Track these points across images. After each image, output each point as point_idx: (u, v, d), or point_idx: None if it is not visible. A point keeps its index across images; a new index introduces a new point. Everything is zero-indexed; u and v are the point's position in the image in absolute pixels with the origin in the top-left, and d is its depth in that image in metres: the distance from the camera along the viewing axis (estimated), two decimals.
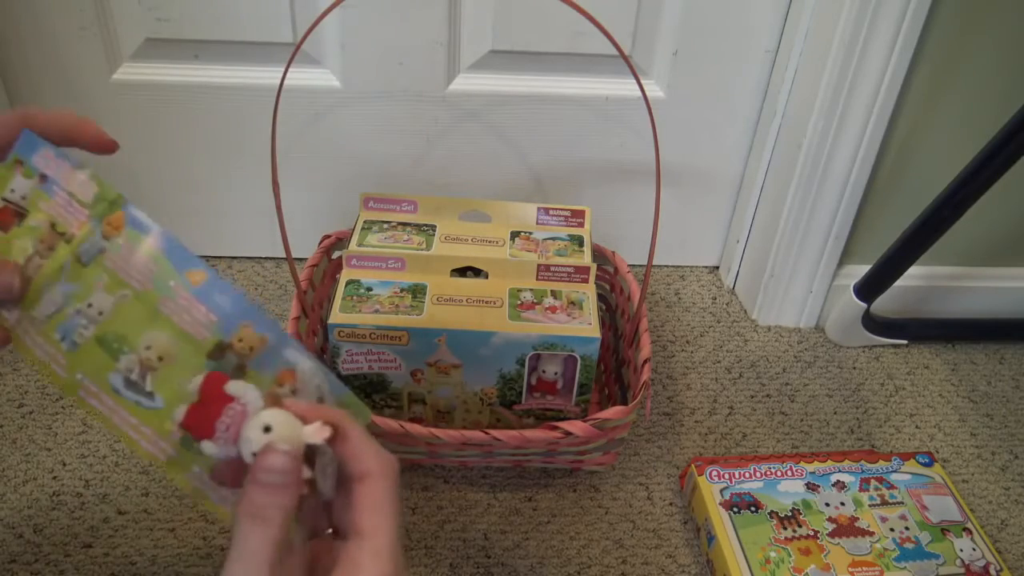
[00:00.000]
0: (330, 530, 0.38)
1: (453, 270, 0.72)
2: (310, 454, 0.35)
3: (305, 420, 0.35)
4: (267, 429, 0.34)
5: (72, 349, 0.38)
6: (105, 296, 0.37)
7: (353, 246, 0.74)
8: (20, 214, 0.39)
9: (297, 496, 0.34)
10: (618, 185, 0.94)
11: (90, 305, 0.37)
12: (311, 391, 0.37)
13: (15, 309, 0.39)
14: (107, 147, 0.41)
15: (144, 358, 0.36)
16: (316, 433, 0.35)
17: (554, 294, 0.71)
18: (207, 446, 0.36)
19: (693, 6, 0.82)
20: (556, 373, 0.70)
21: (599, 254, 0.82)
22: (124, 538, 0.68)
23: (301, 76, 0.84)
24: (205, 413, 0.36)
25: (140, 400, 0.37)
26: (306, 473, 0.35)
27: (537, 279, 0.73)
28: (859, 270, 0.89)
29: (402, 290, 0.70)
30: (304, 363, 0.37)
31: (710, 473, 0.72)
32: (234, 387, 0.36)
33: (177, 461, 0.37)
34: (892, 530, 0.68)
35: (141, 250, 0.37)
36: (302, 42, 0.63)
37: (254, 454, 0.34)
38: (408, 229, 0.77)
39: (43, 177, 0.39)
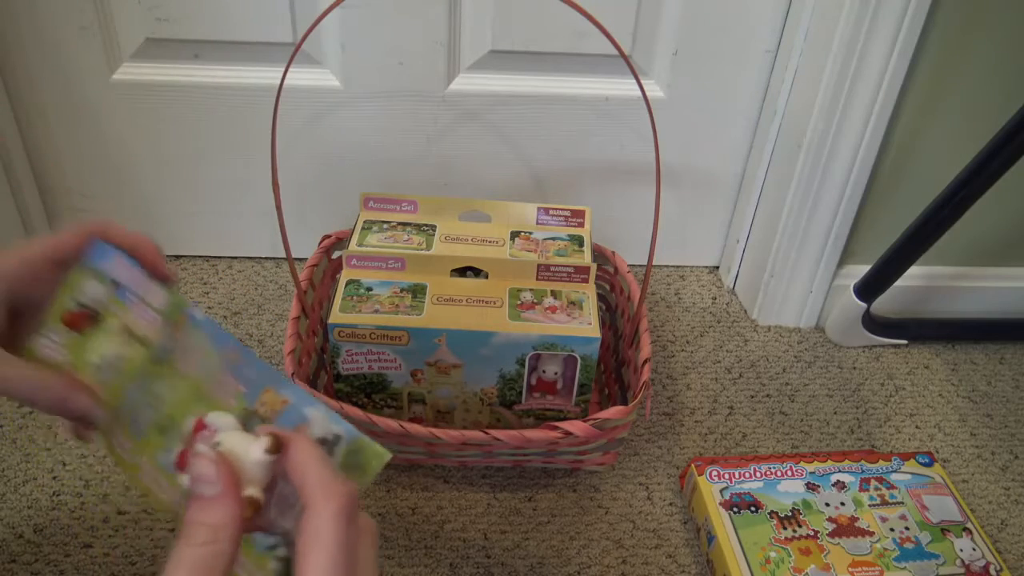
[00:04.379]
0: None
1: (453, 270, 0.72)
2: (272, 481, 0.34)
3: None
4: (217, 445, 0.33)
5: (140, 438, 0.39)
6: (167, 386, 0.39)
7: (353, 246, 0.74)
8: (94, 318, 0.41)
9: (234, 507, 0.31)
10: (618, 185, 0.94)
11: (157, 397, 0.39)
12: (318, 432, 0.36)
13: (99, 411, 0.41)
14: (163, 277, 0.41)
15: (185, 435, 0.37)
16: (255, 449, 0.33)
17: (554, 294, 0.71)
18: (182, 478, 0.35)
19: (693, 6, 0.82)
20: (556, 373, 0.70)
21: (599, 254, 0.82)
22: (124, 538, 0.68)
23: (301, 76, 0.84)
24: (186, 449, 0.36)
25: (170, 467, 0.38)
26: (250, 491, 0.32)
27: (537, 279, 0.73)
28: (859, 270, 0.89)
29: (402, 290, 0.70)
30: (318, 410, 0.36)
31: (710, 473, 0.72)
32: (211, 416, 0.36)
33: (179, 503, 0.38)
34: (892, 530, 0.68)
35: (196, 342, 0.39)
36: (302, 42, 0.63)
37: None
38: (408, 229, 0.77)
39: (116, 284, 0.41)
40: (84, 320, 0.41)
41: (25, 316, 0.40)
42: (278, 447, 0.33)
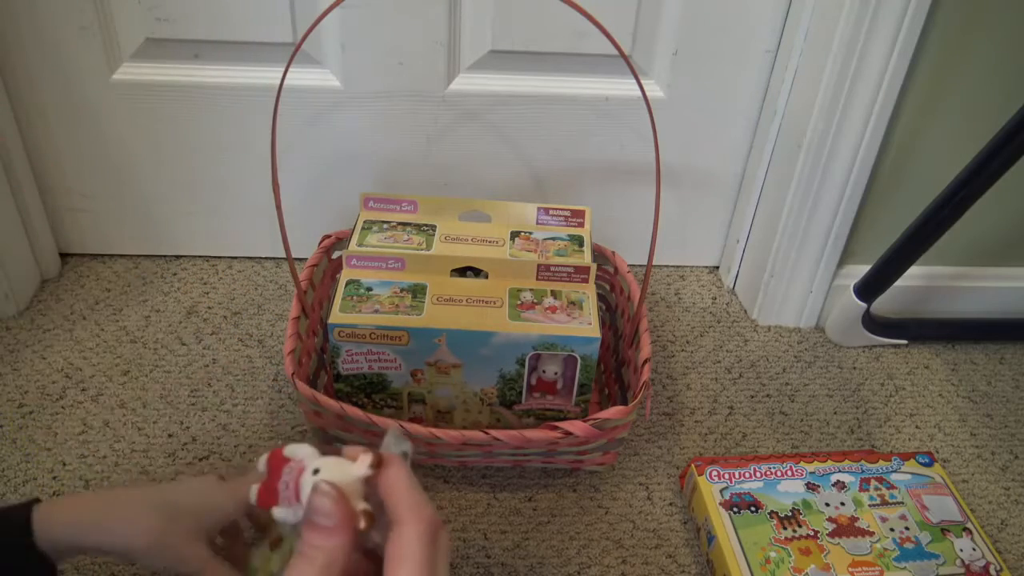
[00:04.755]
0: None
1: (453, 270, 0.72)
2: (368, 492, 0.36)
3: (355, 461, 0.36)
4: (316, 471, 0.35)
5: None
6: None
7: (353, 246, 0.74)
8: (280, 540, 0.50)
9: (348, 534, 0.34)
10: (618, 185, 0.94)
11: None
12: (394, 447, 0.40)
13: None
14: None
15: (261, 472, 0.39)
16: (360, 465, 0.36)
17: (554, 294, 0.71)
18: (277, 512, 0.37)
19: (693, 6, 0.82)
20: (556, 373, 0.70)
21: (599, 254, 0.82)
22: None
23: (301, 76, 0.84)
24: (270, 484, 0.37)
25: None
26: (361, 505, 0.35)
27: (537, 279, 0.72)
28: (859, 270, 0.89)
29: (402, 290, 0.70)
30: (391, 432, 0.41)
31: (710, 473, 0.72)
32: (290, 449, 0.37)
33: None
34: (892, 530, 0.68)
35: None
36: (302, 42, 0.63)
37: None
38: (408, 229, 0.77)
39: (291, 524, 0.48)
40: (277, 542, 0.50)
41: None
42: (380, 463, 0.37)
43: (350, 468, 0.36)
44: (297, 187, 0.90)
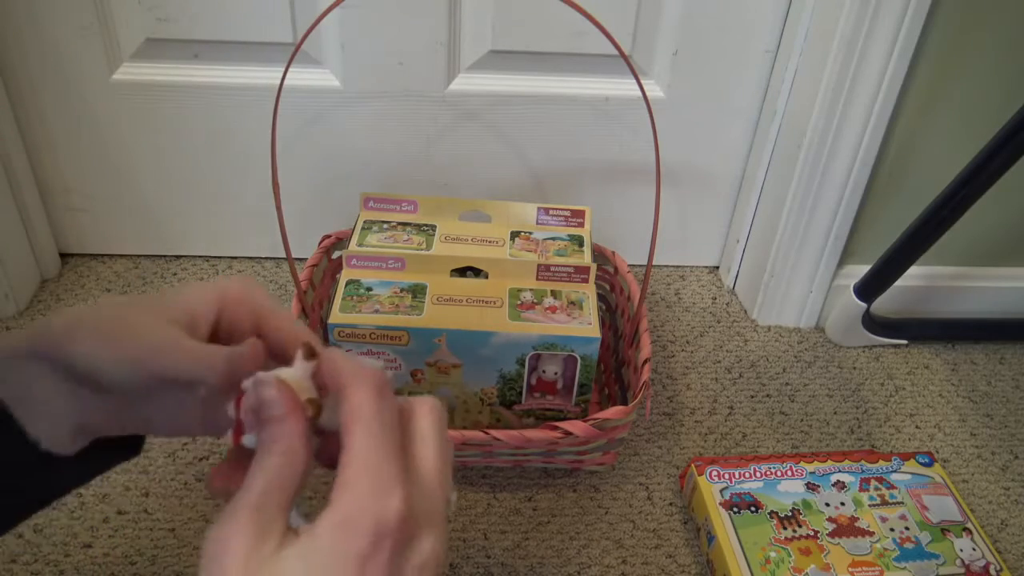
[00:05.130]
0: None
1: (453, 270, 0.72)
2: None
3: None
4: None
5: None
6: None
7: (353, 246, 0.74)
8: None
9: (299, 419, 0.34)
10: (618, 185, 0.94)
11: None
12: None
13: None
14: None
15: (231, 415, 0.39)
16: (297, 361, 0.36)
17: (554, 294, 0.71)
18: (246, 440, 0.36)
19: (693, 6, 0.82)
20: (556, 373, 0.70)
21: (599, 254, 0.82)
22: (124, 538, 0.68)
23: (301, 76, 0.84)
24: (236, 423, 0.36)
25: None
26: (307, 395, 0.35)
27: (537, 279, 0.72)
28: (859, 270, 0.89)
29: (402, 290, 0.70)
30: None
31: (710, 473, 0.72)
32: (247, 382, 0.36)
33: None
34: (892, 530, 0.68)
35: None
36: (302, 42, 0.63)
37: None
38: (408, 229, 0.77)
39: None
40: None
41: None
42: (312, 353, 0.36)
43: (291, 368, 0.36)
44: (297, 187, 0.90)
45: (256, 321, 0.39)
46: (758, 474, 0.72)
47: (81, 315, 0.36)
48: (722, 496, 0.70)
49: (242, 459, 0.35)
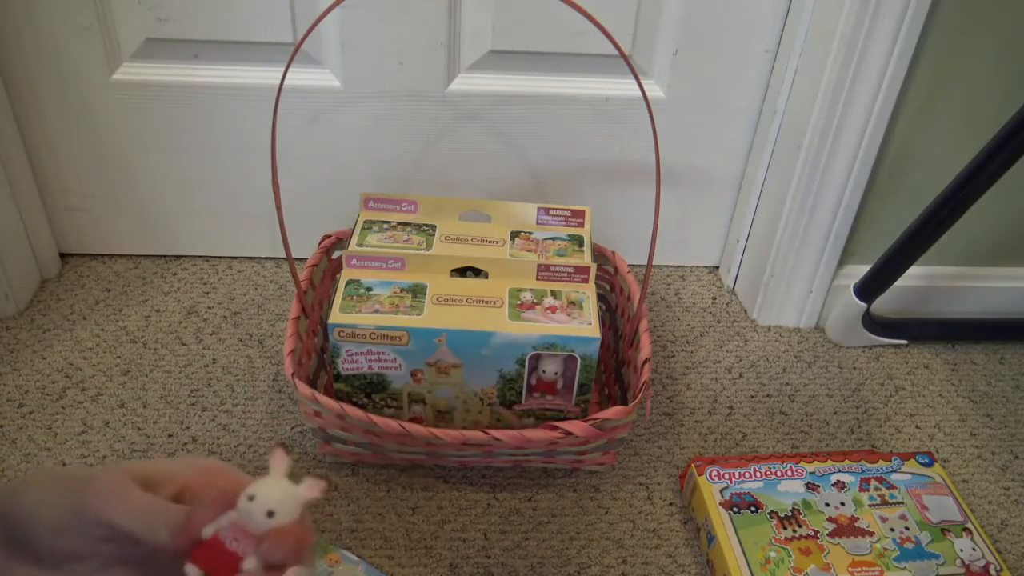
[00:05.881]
0: None
1: (453, 270, 0.72)
2: None
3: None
4: (251, 498, 0.33)
5: None
6: None
7: (353, 246, 0.74)
8: None
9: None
10: (618, 185, 0.94)
11: None
12: None
13: None
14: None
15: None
16: (310, 487, 0.35)
17: (554, 294, 0.71)
18: (249, 563, 0.34)
19: (693, 6, 0.82)
20: (556, 373, 0.70)
21: (599, 254, 0.82)
22: None
23: (301, 76, 0.84)
24: (217, 557, 0.34)
25: None
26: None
27: (537, 279, 0.72)
28: (859, 270, 0.89)
29: (402, 290, 0.70)
30: None
31: (710, 473, 0.72)
32: (207, 530, 0.34)
33: None
34: (892, 530, 0.68)
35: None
36: (302, 42, 0.63)
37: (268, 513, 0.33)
38: (408, 229, 0.77)
39: None
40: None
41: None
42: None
43: (292, 490, 0.34)
44: (297, 187, 0.90)
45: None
46: (758, 474, 0.72)
47: (36, 473, 0.35)
48: (722, 496, 0.70)
49: None
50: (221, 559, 0.34)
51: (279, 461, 0.35)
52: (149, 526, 0.34)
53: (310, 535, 0.35)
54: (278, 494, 0.34)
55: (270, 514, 0.33)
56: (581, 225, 0.79)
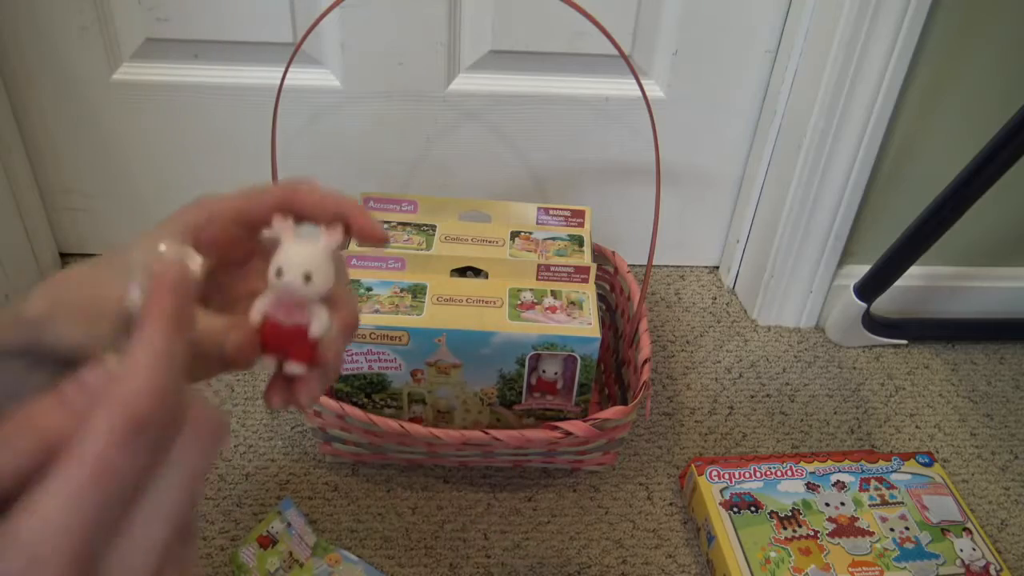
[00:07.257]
0: None
1: (453, 270, 0.72)
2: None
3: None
4: (279, 273, 0.32)
5: None
6: None
7: (353, 246, 0.74)
8: (274, 541, 0.68)
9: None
10: (618, 185, 0.94)
11: None
12: None
13: None
14: (375, 239, 0.37)
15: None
16: (331, 235, 0.34)
17: (554, 294, 0.71)
18: (316, 326, 0.33)
19: (693, 6, 0.82)
20: (556, 373, 0.70)
21: (599, 254, 0.82)
22: None
23: (301, 76, 0.84)
24: (278, 334, 0.33)
25: None
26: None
27: (537, 279, 0.72)
28: (859, 270, 0.89)
29: (402, 290, 0.70)
30: None
31: (710, 473, 0.72)
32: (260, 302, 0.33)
33: None
34: (892, 530, 0.68)
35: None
36: (302, 42, 0.63)
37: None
38: (408, 229, 0.77)
39: (289, 524, 0.69)
40: (268, 542, 0.68)
41: (221, 275, 0.37)
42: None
43: (313, 248, 0.33)
44: None
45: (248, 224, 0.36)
46: (758, 474, 0.72)
47: (51, 295, 0.32)
48: (722, 496, 0.70)
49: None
50: (286, 337, 0.33)
51: (286, 229, 0.34)
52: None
53: (344, 267, 0.35)
54: (304, 256, 0.32)
55: (307, 277, 0.32)
56: (581, 225, 0.79)
